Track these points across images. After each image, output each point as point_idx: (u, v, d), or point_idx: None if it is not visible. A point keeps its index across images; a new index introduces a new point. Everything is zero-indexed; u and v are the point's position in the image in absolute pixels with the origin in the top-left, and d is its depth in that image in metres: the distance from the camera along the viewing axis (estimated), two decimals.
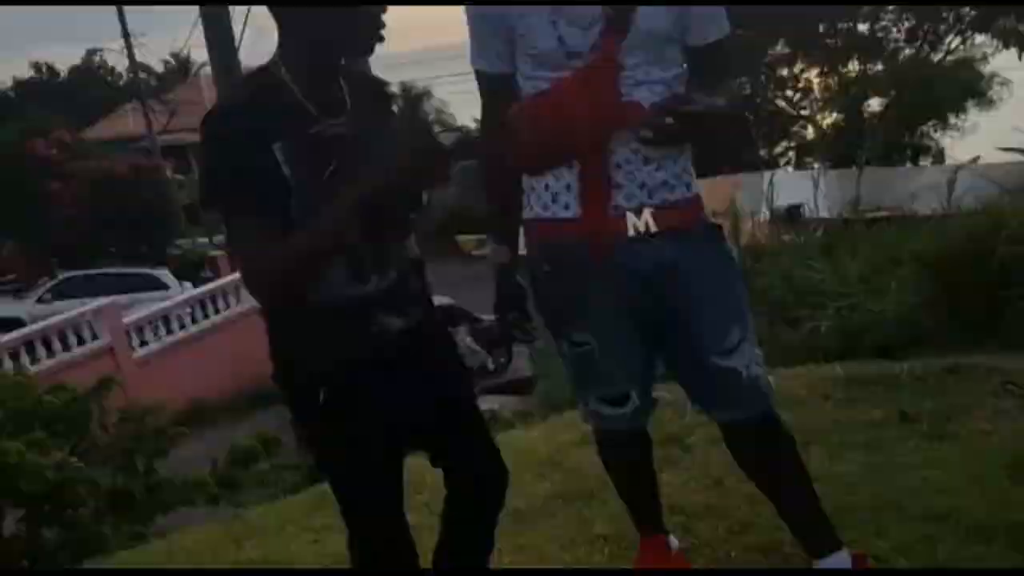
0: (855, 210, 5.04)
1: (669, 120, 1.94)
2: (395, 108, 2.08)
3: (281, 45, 1.93)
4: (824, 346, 4.03)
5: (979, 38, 23.95)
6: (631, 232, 2.03)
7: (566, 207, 2.07)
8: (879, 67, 24.11)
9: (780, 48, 24.92)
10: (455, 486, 2.19)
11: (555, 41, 1.98)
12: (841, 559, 2.16)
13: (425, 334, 2.06)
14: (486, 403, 2.65)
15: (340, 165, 1.87)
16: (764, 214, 6.43)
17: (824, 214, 5.39)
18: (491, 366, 13.75)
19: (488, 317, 2.41)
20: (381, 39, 1.94)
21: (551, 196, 2.09)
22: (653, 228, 2.03)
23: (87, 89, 42.19)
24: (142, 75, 34.29)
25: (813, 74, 25.45)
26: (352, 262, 1.93)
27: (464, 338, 12.77)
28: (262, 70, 1.94)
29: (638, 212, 2.03)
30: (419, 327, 2.03)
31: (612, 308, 2.11)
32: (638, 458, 2.42)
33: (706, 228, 2.13)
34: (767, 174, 7.16)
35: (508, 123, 2.08)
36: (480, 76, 2.15)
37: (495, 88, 2.13)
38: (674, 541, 2.54)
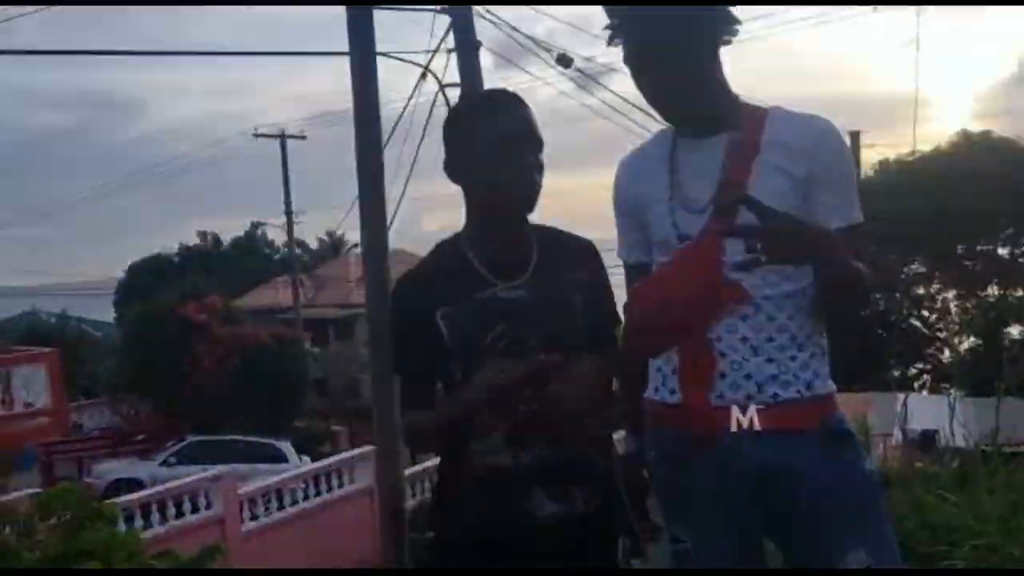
0: (994, 442, 4.86)
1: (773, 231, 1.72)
2: (588, 268, 2.04)
3: (466, 215, 1.98)
4: None
5: None
6: (734, 427, 1.89)
7: (671, 392, 1.97)
8: (1019, 293, 23.63)
9: (917, 267, 24.62)
10: None
11: (671, 226, 1.95)
12: None
13: (585, 525, 1.91)
14: None
15: (511, 327, 1.86)
16: (896, 438, 6.25)
17: (960, 443, 5.20)
18: None
19: None
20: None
21: (661, 378, 2.00)
22: (758, 426, 1.88)
23: (245, 260, 44.03)
24: (297, 250, 35.73)
25: (951, 295, 24.90)
26: (511, 428, 1.86)
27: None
28: (449, 240, 2.00)
29: (744, 407, 1.89)
30: (582, 516, 1.91)
31: (711, 507, 1.95)
32: None
33: (831, 434, 1.92)
34: (900, 395, 6.99)
35: (626, 307, 2.00)
36: (625, 267, 2.13)
37: (633, 277, 2.08)
38: None
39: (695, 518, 1.98)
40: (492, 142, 1.88)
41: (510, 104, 1.93)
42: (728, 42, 1.95)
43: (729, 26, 1.93)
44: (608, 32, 1.98)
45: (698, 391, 1.92)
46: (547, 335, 1.90)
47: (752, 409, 1.88)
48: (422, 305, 1.90)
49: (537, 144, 1.93)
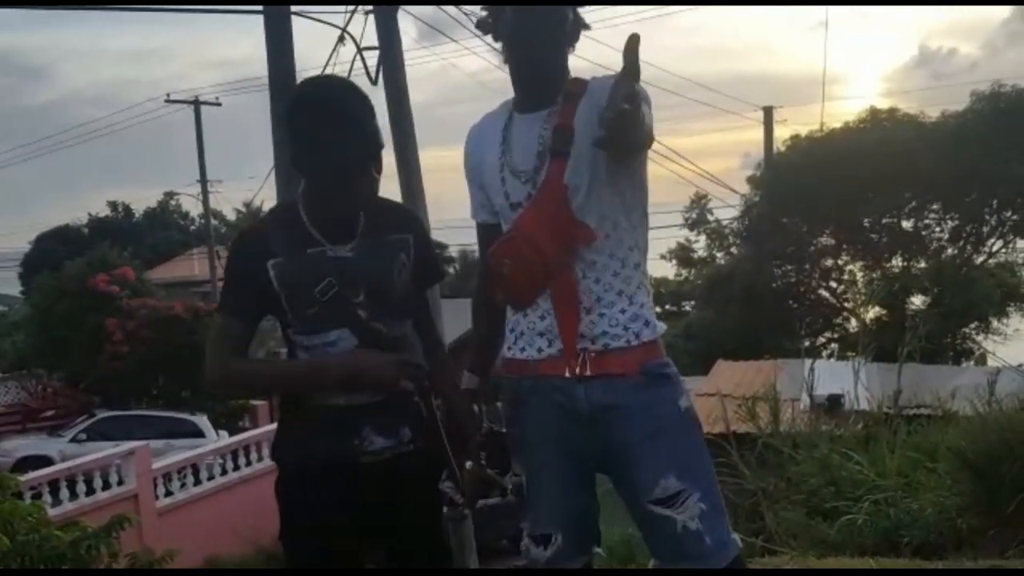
0: (896, 404, 5.09)
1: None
2: (412, 230, 2.27)
3: (304, 183, 2.19)
4: (860, 540, 3.97)
5: (1021, 243, 24.41)
6: (567, 374, 2.13)
7: (523, 349, 2.21)
8: (922, 265, 24.39)
9: (826, 239, 25.21)
10: None
11: (503, 196, 2.19)
12: None
13: (410, 462, 2.17)
14: None
15: (338, 285, 2.11)
16: (804, 401, 6.47)
17: (864, 406, 5.40)
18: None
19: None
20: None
21: (514, 338, 2.23)
22: (588, 372, 2.12)
23: (159, 231, 43.13)
24: (214, 222, 34.74)
25: (857, 267, 25.57)
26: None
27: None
28: (286, 204, 2.23)
29: (578, 356, 2.13)
30: (408, 452, 2.16)
31: (546, 446, 2.19)
32: None
33: (651, 375, 2.16)
34: (807, 361, 7.16)
35: (489, 260, 2.21)
36: (476, 226, 2.34)
37: (482, 235, 2.33)
38: None
39: (528, 456, 2.24)
40: (306, 132, 2.08)
41: (328, 93, 2.12)
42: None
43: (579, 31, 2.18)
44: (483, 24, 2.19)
45: (542, 347, 2.15)
46: (369, 291, 2.15)
47: (584, 357, 2.12)
48: (255, 255, 2.13)
49: (354, 130, 2.07)
